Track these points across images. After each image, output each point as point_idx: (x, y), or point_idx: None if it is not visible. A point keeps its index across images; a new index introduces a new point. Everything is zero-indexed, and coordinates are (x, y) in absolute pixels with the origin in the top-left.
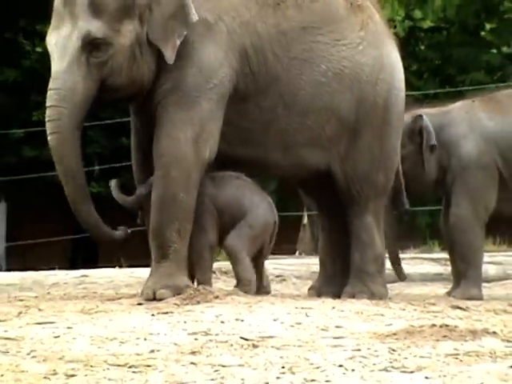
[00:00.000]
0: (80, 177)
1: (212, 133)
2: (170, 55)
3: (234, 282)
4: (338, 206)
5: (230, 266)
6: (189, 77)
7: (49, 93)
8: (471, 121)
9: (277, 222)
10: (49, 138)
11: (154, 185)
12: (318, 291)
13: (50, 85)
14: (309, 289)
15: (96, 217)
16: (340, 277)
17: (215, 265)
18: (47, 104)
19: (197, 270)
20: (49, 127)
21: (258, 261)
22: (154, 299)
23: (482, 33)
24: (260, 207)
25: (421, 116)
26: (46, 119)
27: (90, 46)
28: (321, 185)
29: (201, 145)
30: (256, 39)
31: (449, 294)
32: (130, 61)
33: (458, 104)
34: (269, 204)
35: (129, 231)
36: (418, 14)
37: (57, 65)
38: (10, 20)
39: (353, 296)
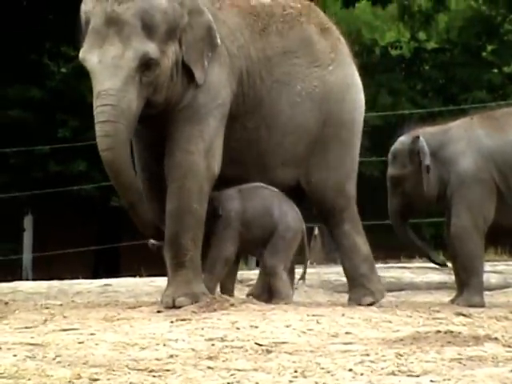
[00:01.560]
0: (137, 184)
1: (218, 149)
2: (199, 76)
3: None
4: None
5: (245, 276)
6: (199, 94)
7: (101, 108)
8: (469, 138)
9: (304, 230)
10: (105, 153)
11: (168, 196)
12: None
13: (102, 101)
14: None
15: (150, 216)
16: None
17: None
18: (101, 119)
19: (205, 277)
20: (105, 143)
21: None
22: (174, 307)
23: (484, 53)
24: (289, 216)
25: (418, 137)
26: (102, 134)
27: (144, 66)
28: None
29: (210, 159)
30: (249, 63)
31: (453, 301)
32: (169, 80)
33: (458, 122)
34: (296, 212)
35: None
36: (422, 35)
37: (108, 82)
38: (36, 42)
39: (359, 302)
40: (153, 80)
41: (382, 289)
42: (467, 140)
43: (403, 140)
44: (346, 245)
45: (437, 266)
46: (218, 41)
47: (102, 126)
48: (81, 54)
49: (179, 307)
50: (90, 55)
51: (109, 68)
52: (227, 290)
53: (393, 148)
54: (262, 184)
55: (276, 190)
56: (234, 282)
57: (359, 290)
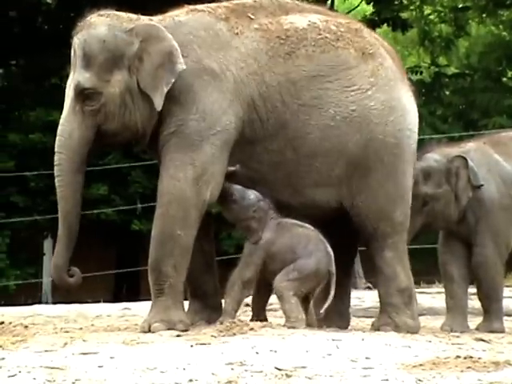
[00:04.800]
0: (71, 220)
1: (214, 175)
2: (158, 102)
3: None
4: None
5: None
6: (191, 122)
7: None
8: (489, 164)
9: (332, 271)
10: (55, 180)
11: (154, 221)
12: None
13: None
14: None
15: (62, 261)
16: None
17: None
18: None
19: (226, 299)
20: (55, 171)
21: (305, 305)
22: (149, 331)
23: (504, 79)
24: (313, 256)
25: (462, 157)
26: (54, 163)
27: (82, 95)
28: (325, 221)
29: (201, 186)
30: (264, 89)
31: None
32: (122, 108)
33: (472, 145)
34: (326, 253)
35: (80, 276)
36: (442, 60)
37: (63, 112)
38: (57, 66)
39: (377, 329)
40: (99, 108)
41: (411, 324)
42: (487, 165)
43: (437, 158)
44: (385, 272)
45: None
46: (181, 66)
47: (55, 155)
48: None
49: (154, 333)
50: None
51: (66, 98)
52: (259, 315)
53: (426, 165)
54: (299, 222)
55: (312, 228)
56: (265, 308)
57: (383, 318)
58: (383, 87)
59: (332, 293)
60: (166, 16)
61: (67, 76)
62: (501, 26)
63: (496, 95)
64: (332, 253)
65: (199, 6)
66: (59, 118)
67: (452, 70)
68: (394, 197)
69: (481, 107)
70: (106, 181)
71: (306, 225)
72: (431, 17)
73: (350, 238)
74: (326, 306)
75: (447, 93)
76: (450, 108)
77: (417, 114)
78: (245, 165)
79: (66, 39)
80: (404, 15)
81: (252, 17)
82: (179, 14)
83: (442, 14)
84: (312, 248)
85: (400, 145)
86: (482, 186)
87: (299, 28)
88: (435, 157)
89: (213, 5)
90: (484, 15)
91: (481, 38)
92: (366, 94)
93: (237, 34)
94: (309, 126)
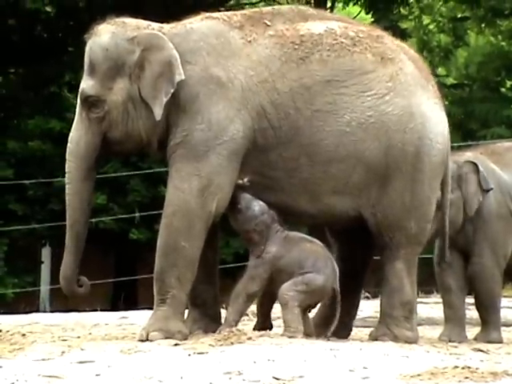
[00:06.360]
0: (78, 229)
1: (220, 186)
2: (157, 112)
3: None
4: (354, 250)
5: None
6: (197, 132)
7: None
8: (487, 173)
9: (336, 289)
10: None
11: (159, 233)
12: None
13: None
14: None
15: (71, 272)
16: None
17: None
18: None
19: (228, 309)
20: (65, 178)
21: (304, 315)
22: (147, 340)
23: (503, 89)
24: (321, 272)
25: (471, 162)
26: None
27: (87, 103)
28: (341, 230)
29: (207, 197)
30: (275, 96)
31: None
32: (124, 116)
33: (469, 155)
34: (332, 270)
35: (89, 285)
36: (441, 71)
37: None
38: (56, 74)
39: (375, 339)
40: (103, 116)
41: (410, 336)
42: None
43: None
44: (392, 283)
45: None
46: (179, 77)
47: (66, 163)
48: None
49: (151, 341)
50: None
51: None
52: (264, 322)
53: None
54: (308, 237)
55: (320, 244)
56: (270, 316)
57: (382, 328)
58: (402, 92)
59: (338, 312)
60: (178, 23)
61: (66, 84)
62: (499, 36)
63: (495, 105)
64: (338, 270)
65: (215, 14)
66: (58, 126)
67: (451, 81)
68: (409, 207)
69: (479, 117)
70: (105, 189)
71: (314, 240)
72: (430, 27)
73: (365, 250)
74: (332, 328)
75: (446, 103)
76: (449, 118)
77: (442, 123)
78: (260, 173)
79: (65, 47)
80: (403, 25)
81: (268, 23)
82: (193, 21)
83: (441, 24)
84: (321, 265)
85: (419, 154)
86: (491, 189)
87: (315, 33)
88: None
89: (229, 12)
90: (483, 25)
91: (479, 48)
92: (383, 99)
93: (250, 41)
94: (323, 132)
